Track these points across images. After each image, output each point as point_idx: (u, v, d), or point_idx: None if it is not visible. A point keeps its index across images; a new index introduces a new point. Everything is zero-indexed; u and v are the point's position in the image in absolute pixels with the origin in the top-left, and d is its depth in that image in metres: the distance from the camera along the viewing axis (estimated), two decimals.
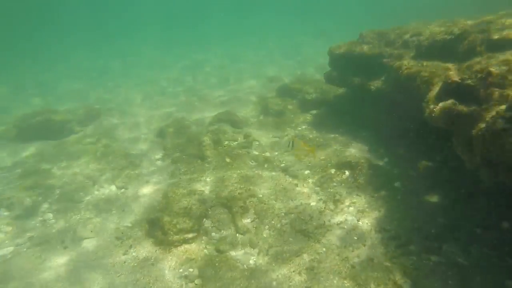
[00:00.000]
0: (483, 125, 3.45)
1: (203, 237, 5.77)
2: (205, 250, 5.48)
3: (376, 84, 7.76)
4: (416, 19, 9.48)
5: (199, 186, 7.06)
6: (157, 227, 5.78)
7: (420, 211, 5.67)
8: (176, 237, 5.57)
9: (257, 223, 5.91)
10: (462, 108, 3.87)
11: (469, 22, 6.19)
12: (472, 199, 5.72)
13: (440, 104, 4.09)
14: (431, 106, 4.31)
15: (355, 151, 7.78)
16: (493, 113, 3.32)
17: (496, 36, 5.29)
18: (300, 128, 9.52)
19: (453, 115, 3.93)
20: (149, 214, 6.31)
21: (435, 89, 4.47)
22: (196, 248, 5.50)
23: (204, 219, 6.13)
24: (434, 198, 5.96)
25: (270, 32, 34.03)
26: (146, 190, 7.40)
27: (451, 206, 5.68)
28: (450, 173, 6.30)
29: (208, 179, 7.33)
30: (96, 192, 7.60)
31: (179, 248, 5.53)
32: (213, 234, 5.83)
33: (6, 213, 7.04)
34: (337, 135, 8.70)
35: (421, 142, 6.99)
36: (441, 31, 6.14)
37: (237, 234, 5.74)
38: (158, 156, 9.14)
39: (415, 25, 8.26)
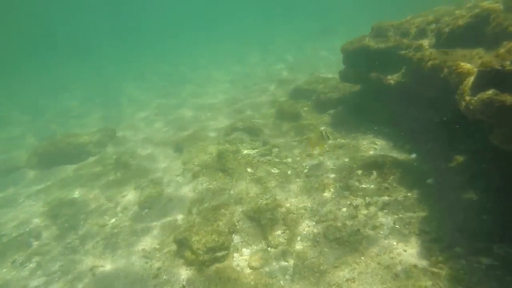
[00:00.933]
0: None
1: (234, 254, 5.57)
2: (237, 268, 5.28)
3: (395, 78, 7.45)
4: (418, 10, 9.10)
5: (223, 200, 6.88)
6: (186, 247, 5.62)
7: (460, 209, 5.33)
8: (206, 257, 5.39)
9: (289, 235, 5.68)
10: (506, 97, 3.56)
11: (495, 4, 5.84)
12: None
13: (479, 96, 3.78)
14: (467, 98, 4.00)
15: (380, 149, 7.47)
16: None
17: None
18: (318, 130, 9.24)
19: (496, 106, 3.62)
20: (176, 234, 6.17)
21: (470, 79, 4.16)
22: (228, 266, 5.30)
23: (234, 235, 5.94)
24: (472, 194, 5.60)
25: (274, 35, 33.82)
26: (169, 209, 7.26)
27: (493, 201, 5.32)
28: (487, 164, 5.94)
29: (232, 192, 7.15)
30: (120, 215, 7.51)
31: (210, 267, 5.35)
32: (244, 250, 5.63)
33: (35, 243, 7.03)
34: (358, 134, 8.40)
35: (450, 134, 6.63)
36: (462, 15, 5.81)
37: (269, 248, 5.53)
38: (178, 172, 9.02)
39: (428, 12, 7.90)
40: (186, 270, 5.44)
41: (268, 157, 8.39)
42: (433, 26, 6.96)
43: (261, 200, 6.54)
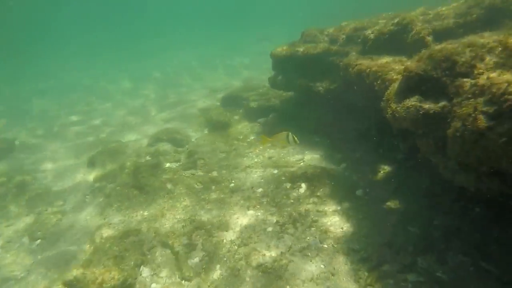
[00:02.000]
0: (459, 124, 2.82)
1: None
2: None
3: (324, 85, 7.19)
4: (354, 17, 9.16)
5: (134, 224, 5.85)
6: None
7: (388, 222, 5.06)
8: None
9: (207, 262, 4.88)
10: (430, 105, 3.25)
11: (413, 13, 5.84)
12: (439, 199, 5.27)
13: (404, 103, 3.45)
14: (393, 105, 3.67)
15: (309, 159, 7.10)
16: (470, 109, 2.70)
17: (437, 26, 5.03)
18: (248, 140, 8.67)
19: (420, 114, 3.30)
20: (67, 275, 4.98)
21: (394, 85, 3.86)
22: None
23: (142, 267, 4.96)
24: (400, 204, 5.41)
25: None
26: (68, 238, 6.00)
27: (419, 211, 5.17)
28: (412, 173, 5.85)
29: (146, 213, 6.15)
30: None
31: None
32: (153, 286, 4.69)
33: None
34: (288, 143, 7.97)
35: (378, 143, 6.48)
36: (386, 23, 5.69)
37: (183, 281, 4.67)
38: (87, 191, 7.69)
39: (359, 21, 7.87)
40: None
41: (192, 171, 7.55)
42: (359, 33, 6.84)
43: (177, 222, 5.66)
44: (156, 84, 19.37)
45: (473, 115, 2.64)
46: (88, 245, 5.60)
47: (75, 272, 4.60)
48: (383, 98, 4.03)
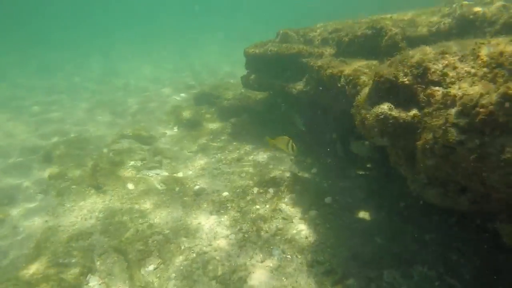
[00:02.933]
0: (430, 136, 2.62)
1: None
2: None
3: (297, 87, 6.95)
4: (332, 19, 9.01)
5: (86, 227, 5.38)
6: None
7: (356, 232, 4.89)
8: None
9: (162, 270, 4.51)
10: (400, 114, 3.05)
11: (388, 17, 5.71)
12: (408, 210, 5.16)
13: (374, 110, 3.23)
14: (363, 112, 3.45)
15: (278, 162, 6.86)
16: (441, 120, 2.51)
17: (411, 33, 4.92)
18: (218, 140, 8.33)
19: (390, 123, 3.09)
20: (8, 275, 4.47)
21: (365, 90, 3.65)
22: None
23: (89, 276, 4.52)
24: (368, 214, 5.26)
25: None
26: (8, 243, 5.43)
27: (387, 222, 5.03)
28: (383, 181, 5.72)
29: (101, 215, 5.69)
30: None
31: None
32: None
33: None
34: (259, 145, 7.71)
35: (347, 149, 6.32)
36: (361, 26, 5.51)
37: None
38: (41, 188, 7.09)
39: (335, 23, 7.70)
40: None
41: (157, 171, 7.12)
42: (335, 35, 6.65)
43: (133, 227, 5.25)
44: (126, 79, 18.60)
45: (443, 127, 2.44)
46: (32, 251, 5.07)
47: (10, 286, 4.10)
48: (353, 104, 3.82)
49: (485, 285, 3.96)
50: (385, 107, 3.16)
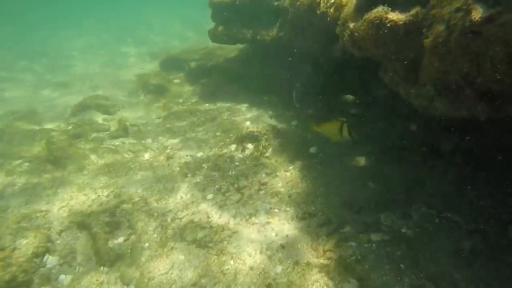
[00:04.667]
0: (442, 28, 2.08)
1: None
2: None
3: (271, 33, 6.28)
4: None
5: (42, 205, 4.65)
6: None
7: (346, 179, 4.46)
8: None
9: (134, 242, 3.92)
10: (398, 16, 2.49)
11: None
12: (400, 152, 4.77)
13: (366, 16, 2.66)
14: (351, 25, 2.87)
15: (256, 118, 6.27)
16: (459, 2, 1.96)
17: None
18: (189, 103, 7.60)
19: (386, 28, 2.53)
20: None
21: (351, 2, 3.05)
22: None
23: (47, 256, 3.86)
24: (358, 160, 4.83)
25: None
26: None
27: (378, 166, 4.63)
28: (370, 127, 5.29)
29: (59, 190, 4.95)
30: None
31: None
32: (61, 277, 3.64)
33: None
34: (234, 104, 7.08)
35: (331, 95, 5.81)
36: None
37: (101, 267, 3.68)
38: None
39: None
40: None
41: (122, 139, 6.37)
42: None
43: (98, 198, 4.58)
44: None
45: (464, 7, 1.89)
46: None
47: None
48: (339, 23, 3.23)
49: (485, 216, 3.67)
50: (380, 9, 2.58)
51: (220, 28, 7.09)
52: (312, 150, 5.11)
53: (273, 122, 6.05)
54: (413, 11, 2.42)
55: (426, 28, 2.30)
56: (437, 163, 4.38)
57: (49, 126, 7.36)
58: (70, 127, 7.13)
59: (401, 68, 2.73)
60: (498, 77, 1.94)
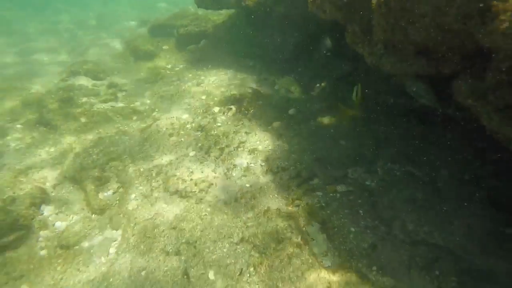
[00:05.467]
0: None
1: (41, 233, 3.92)
2: (42, 252, 3.69)
3: None
4: None
5: (36, 162, 4.97)
6: None
7: (320, 137, 4.78)
8: None
9: (122, 194, 4.29)
10: None
11: None
12: (371, 114, 5.07)
13: None
14: None
15: (240, 82, 6.49)
16: None
17: None
18: (177, 69, 7.76)
19: None
20: None
21: None
22: (26, 254, 3.66)
23: (43, 206, 4.23)
24: (333, 120, 5.13)
25: None
26: None
27: (352, 126, 4.94)
28: (347, 88, 5.54)
29: (52, 150, 5.26)
30: None
31: None
32: (57, 224, 4.03)
33: None
34: (220, 69, 7.25)
35: (312, 60, 6.02)
36: None
37: (92, 215, 4.07)
38: None
39: None
40: None
41: (111, 103, 6.60)
42: None
43: (88, 156, 4.89)
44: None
45: None
46: None
47: None
48: None
49: (440, 170, 4.02)
50: None
51: None
52: (291, 111, 5.39)
53: (256, 86, 6.28)
54: None
55: None
56: (405, 123, 4.69)
57: (40, 90, 7.53)
58: (60, 92, 7.31)
59: (358, 29, 2.95)
60: (431, 35, 2.20)
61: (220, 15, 8.61)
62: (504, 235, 3.27)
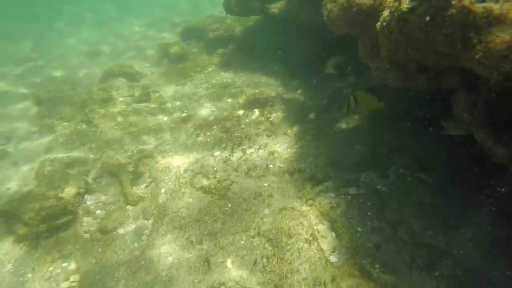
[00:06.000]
0: (387, 13, 2.57)
1: (84, 219, 4.52)
2: (85, 235, 4.27)
3: (279, 5, 6.66)
4: None
5: (81, 156, 5.62)
6: (15, 219, 4.36)
7: (337, 142, 5.04)
8: (43, 227, 4.23)
9: (153, 188, 4.80)
10: (362, 0, 2.96)
11: None
12: (387, 119, 5.24)
13: (338, 0, 3.14)
14: (328, 6, 3.35)
15: (265, 87, 6.84)
16: None
17: None
18: (206, 71, 8.24)
19: (353, 11, 3.02)
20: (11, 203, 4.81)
21: None
22: (73, 235, 4.26)
23: (86, 196, 4.83)
24: (350, 124, 5.37)
25: None
26: (13, 172, 5.73)
27: (368, 131, 5.15)
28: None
29: (93, 145, 5.90)
30: None
31: (49, 239, 4.23)
32: (98, 212, 4.61)
33: None
34: (246, 73, 7.64)
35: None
36: None
37: (127, 206, 4.61)
38: (35, 128, 7.28)
39: None
40: (18, 248, 4.23)
41: (145, 104, 7.19)
42: None
43: (125, 152, 5.46)
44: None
45: (397, 1, 2.38)
46: (34, 179, 5.37)
47: (11, 203, 4.42)
48: (322, 2, 3.69)
49: (453, 178, 4.16)
50: None
51: (233, 0, 7.51)
52: (311, 116, 5.68)
53: (279, 90, 6.61)
54: None
55: (381, 12, 2.78)
56: (419, 129, 4.84)
57: (82, 91, 8.29)
58: (99, 92, 8.02)
59: (367, 45, 3.22)
60: (428, 56, 2.45)
61: (247, 21, 8.99)
62: (508, 242, 3.41)
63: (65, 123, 6.81)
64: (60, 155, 5.75)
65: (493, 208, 3.73)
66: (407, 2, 2.29)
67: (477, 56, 1.87)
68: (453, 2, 1.96)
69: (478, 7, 1.87)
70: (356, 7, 2.98)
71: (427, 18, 2.14)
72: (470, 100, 2.47)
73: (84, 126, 6.60)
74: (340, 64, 4.51)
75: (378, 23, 2.70)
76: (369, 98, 3.70)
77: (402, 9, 2.31)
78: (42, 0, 24.45)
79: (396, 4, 2.41)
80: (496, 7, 1.81)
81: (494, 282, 3.15)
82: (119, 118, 6.59)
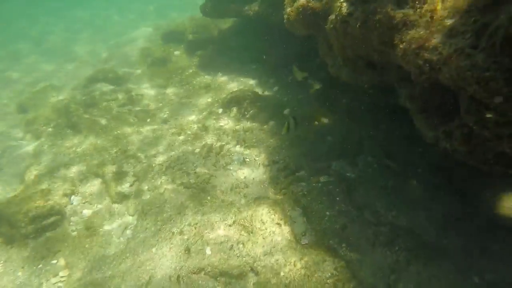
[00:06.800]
0: (333, 17, 2.89)
1: (72, 218, 4.74)
2: (73, 233, 4.50)
3: (253, 8, 6.96)
4: None
5: (65, 161, 5.82)
6: (2, 221, 4.56)
7: (309, 134, 5.37)
8: (30, 228, 4.45)
9: (137, 186, 5.05)
10: (315, 4, 3.28)
11: None
12: (355, 111, 5.59)
13: (295, 4, 3.45)
14: (288, 10, 3.66)
15: (243, 86, 7.14)
16: (338, 1, 2.75)
17: None
18: (187, 73, 8.48)
19: (308, 14, 3.33)
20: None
21: None
22: (61, 234, 4.48)
23: (72, 197, 5.05)
24: (323, 119, 5.70)
25: None
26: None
27: (339, 123, 5.49)
28: (335, 91, 6.08)
29: (78, 150, 6.09)
30: None
31: (39, 239, 4.45)
32: (84, 211, 4.84)
33: None
34: (225, 73, 7.92)
35: (305, 62, 6.58)
36: None
37: (113, 204, 4.85)
38: (19, 134, 7.44)
39: None
40: (6, 249, 4.44)
41: (129, 106, 7.40)
42: None
43: (109, 155, 5.69)
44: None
45: (338, 3, 2.70)
46: (20, 184, 5.56)
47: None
48: (284, 4, 4.00)
49: (414, 163, 4.53)
50: (303, 0, 3.37)
51: (209, 4, 7.78)
52: (286, 111, 5.99)
53: (257, 89, 6.91)
54: (324, 1, 3.21)
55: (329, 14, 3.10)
56: (389, 121, 5.20)
57: (66, 96, 8.45)
58: (83, 97, 8.19)
59: (324, 44, 3.54)
60: (370, 53, 2.78)
61: (226, 23, 9.26)
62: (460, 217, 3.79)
63: (50, 128, 6.98)
64: (45, 158, 5.94)
65: (449, 187, 4.12)
66: (346, 7, 2.61)
67: (400, 54, 2.20)
68: (378, 9, 2.29)
69: (399, 13, 2.20)
70: (310, 10, 3.30)
71: (360, 22, 2.47)
72: (409, 90, 2.81)
73: (69, 131, 6.78)
74: (302, 69, 4.99)
75: (327, 26, 3.03)
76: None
77: (343, 13, 2.63)
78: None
79: (339, 8, 2.74)
80: (411, 13, 2.15)
81: (444, 251, 3.52)
82: (103, 122, 6.79)
